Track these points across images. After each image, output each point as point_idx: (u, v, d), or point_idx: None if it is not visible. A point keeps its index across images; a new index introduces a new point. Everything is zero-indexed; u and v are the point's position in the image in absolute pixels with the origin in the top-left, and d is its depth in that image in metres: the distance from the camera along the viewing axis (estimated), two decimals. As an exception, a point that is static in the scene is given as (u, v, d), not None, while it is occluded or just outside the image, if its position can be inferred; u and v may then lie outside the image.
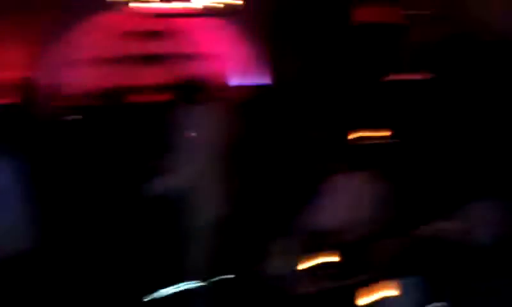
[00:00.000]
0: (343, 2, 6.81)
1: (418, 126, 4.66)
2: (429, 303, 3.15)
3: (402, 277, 3.09)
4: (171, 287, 4.11)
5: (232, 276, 4.12)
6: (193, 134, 4.25)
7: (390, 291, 3.11)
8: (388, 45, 6.00)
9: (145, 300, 4.01)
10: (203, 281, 4.09)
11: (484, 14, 4.91)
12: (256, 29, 7.69)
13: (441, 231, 3.52)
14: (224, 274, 4.11)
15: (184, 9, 6.97)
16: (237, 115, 5.14)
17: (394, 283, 3.10)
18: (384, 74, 5.72)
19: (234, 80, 7.66)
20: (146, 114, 5.54)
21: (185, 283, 4.11)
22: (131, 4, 6.45)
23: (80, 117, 5.49)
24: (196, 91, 4.52)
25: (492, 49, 4.67)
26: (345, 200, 3.92)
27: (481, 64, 4.65)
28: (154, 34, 7.97)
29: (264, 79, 7.93)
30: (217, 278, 4.11)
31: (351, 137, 4.87)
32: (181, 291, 4.10)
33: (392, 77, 5.64)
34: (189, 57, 8.13)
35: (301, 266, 3.52)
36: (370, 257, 3.54)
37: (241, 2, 6.34)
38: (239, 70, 8.04)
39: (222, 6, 6.66)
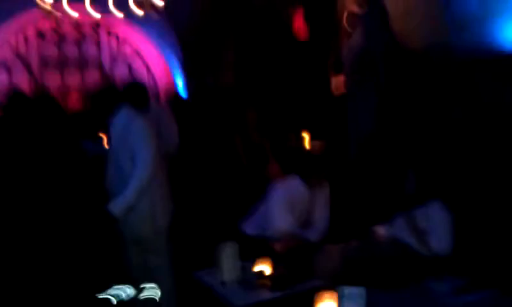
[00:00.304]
0: (274, 10, 6.78)
1: (360, 130, 4.67)
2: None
3: (345, 286, 2.98)
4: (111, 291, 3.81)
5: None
6: (134, 139, 3.79)
7: (332, 301, 2.99)
8: (321, 53, 6.01)
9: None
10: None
11: (407, 26, 5.01)
12: (182, 35, 7.55)
13: (388, 238, 3.50)
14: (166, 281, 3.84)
15: (107, 14, 6.71)
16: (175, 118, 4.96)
17: (336, 293, 2.99)
18: (319, 79, 5.72)
19: (166, 85, 7.48)
20: (80, 120, 5.17)
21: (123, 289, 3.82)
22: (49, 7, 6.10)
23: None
24: (133, 96, 4.23)
25: (418, 61, 4.77)
26: (287, 206, 3.81)
27: (415, 77, 4.73)
28: (77, 39, 7.71)
29: (190, 84, 7.79)
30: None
31: (291, 142, 4.82)
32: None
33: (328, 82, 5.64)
34: (117, 61, 7.93)
35: (241, 274, 3.35)
36: (315, 264, 3.45)
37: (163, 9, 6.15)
38: (166, 75, 7.88)
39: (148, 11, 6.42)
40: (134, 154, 3.57)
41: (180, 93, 7.47)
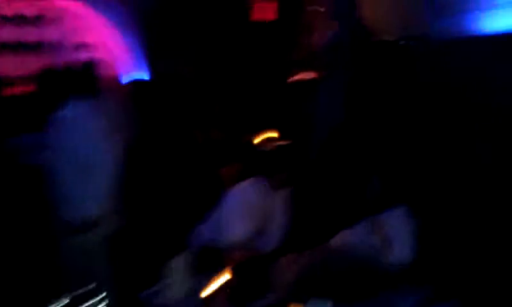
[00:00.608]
0: None
1: (325, 125, 4.47)
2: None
3: (309, 299, 2.82)
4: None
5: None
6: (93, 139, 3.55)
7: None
8: (284, 43, 5.79)
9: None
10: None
11: (377, 14, 4.83)
12: (137, 19, 7.24)
13: (349, 246, 3.31)
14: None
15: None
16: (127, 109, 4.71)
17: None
18: (282, 73, 5.51)
19: (115, 72, 7.19)
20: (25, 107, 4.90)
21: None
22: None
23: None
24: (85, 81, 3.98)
25: (385, 50, 4.60)
26: (245, 212, 3.62)
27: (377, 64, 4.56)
28: (28, 20, 7.35)
29: (145, 72, 7.52)
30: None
31: (249, 140, 4.59)
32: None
33: (290, 76, 5.44)
34: (69, 45, 7.60)
35: (195, 288, 3.17)
36: (273, 276, 3.26)
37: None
38: (119, 61, 7.58)
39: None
40: (96, 156, 3.42)
41: (138, 80, 7.22)
